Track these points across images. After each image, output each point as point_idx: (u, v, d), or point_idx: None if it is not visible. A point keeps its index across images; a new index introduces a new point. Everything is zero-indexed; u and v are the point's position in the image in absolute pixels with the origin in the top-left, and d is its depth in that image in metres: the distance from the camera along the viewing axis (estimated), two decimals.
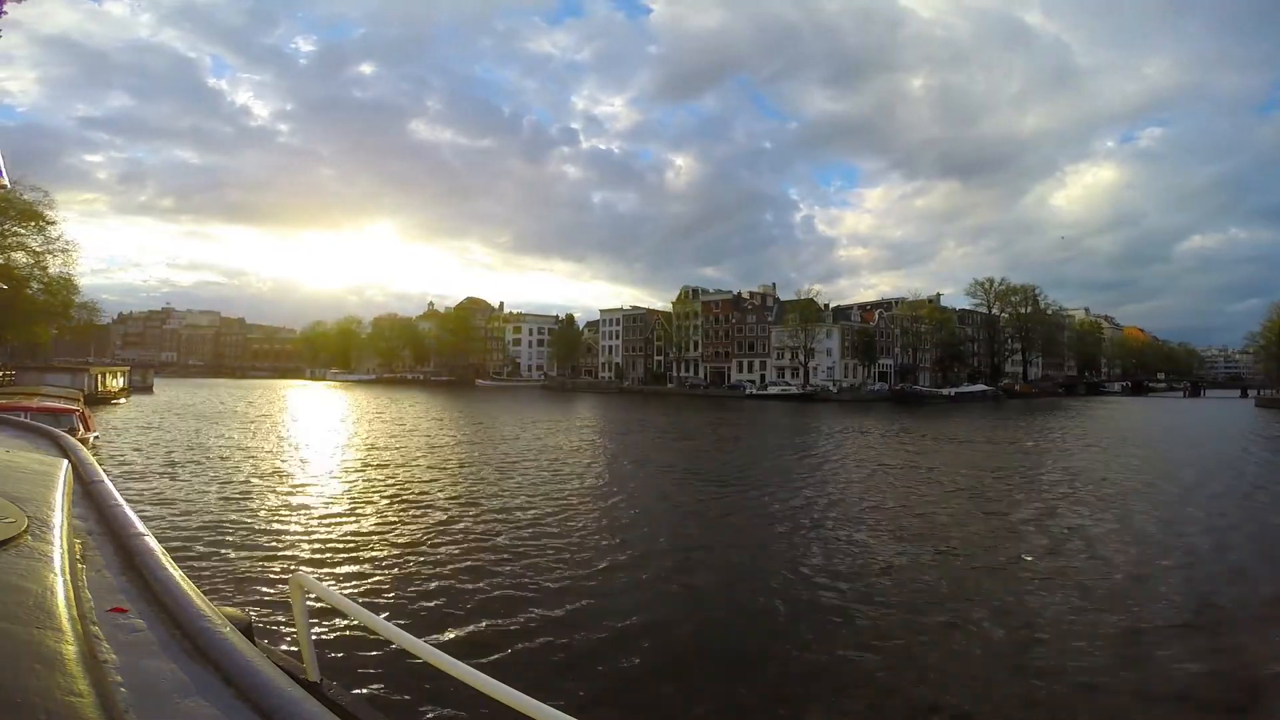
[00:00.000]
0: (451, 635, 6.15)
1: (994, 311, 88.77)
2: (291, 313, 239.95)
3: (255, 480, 13.84)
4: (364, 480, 14.35)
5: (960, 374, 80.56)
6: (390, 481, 14.21)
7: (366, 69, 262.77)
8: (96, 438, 15.73)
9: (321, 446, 20.47)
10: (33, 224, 35.82)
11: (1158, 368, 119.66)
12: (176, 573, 1.69)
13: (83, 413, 15.29)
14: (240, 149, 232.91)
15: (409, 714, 4.73)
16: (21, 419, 5.72)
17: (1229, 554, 9.67)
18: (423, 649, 1.50)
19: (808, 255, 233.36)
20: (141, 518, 2.16)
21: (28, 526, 1.71)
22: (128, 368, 50.44)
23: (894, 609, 7.21)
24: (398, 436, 24.06)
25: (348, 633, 5.75)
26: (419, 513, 11.18)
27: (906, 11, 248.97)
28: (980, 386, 72.78)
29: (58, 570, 1.47)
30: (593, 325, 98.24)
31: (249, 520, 10.20)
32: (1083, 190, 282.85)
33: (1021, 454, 22.45)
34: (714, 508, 12.57)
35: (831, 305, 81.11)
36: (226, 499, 11.73)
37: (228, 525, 9.79)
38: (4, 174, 4.83)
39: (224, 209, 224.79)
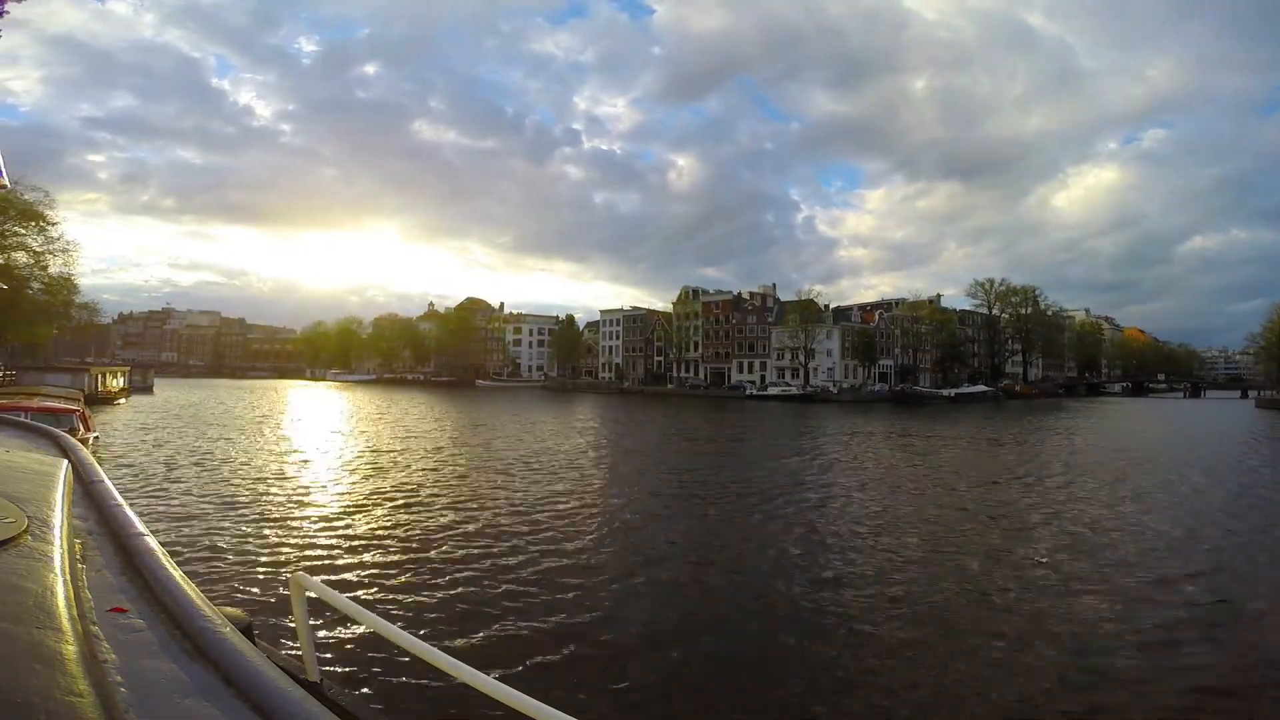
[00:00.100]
0: (451, 635, 6.14)
1: (994, 312, 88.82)
2: (292, 313, 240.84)
3: (255, 480, 13.83)
4: (364, 480, 14.35)
5: (960, 375, 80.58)
6: (390, 482, 14.21)
7: (370, 69, 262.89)
8: (96, 438, 15.71)
9: (321, 447, 20.46)
10: (33, 224, 35.83)
11: (1158, 368, 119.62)
12: (176, 573, 1.69)
13: (83, 413, 15.26)
14: (243, 149, 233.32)
15: (409, 714, 4.73)
16: (21, 419, 5.72)
17: (1244, 554, 9.68)
18: (423, 649, 1.50)
19: (809, 256, 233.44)
20: (141, 518, 2.16)
21: (28, 526, 1.70)
22: (128, 368, 50.46)
23: (913, 618, 7.08)
24: (398, 437, 24.05)
25: (348, 633, 5.75)
26: (419, 513, 11.18)
27: (911, 13, 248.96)
28: (980, 387, 72.81)
29: (58, 570, 1.47)
30: (593, 326, 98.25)
31: (249, 520, 10.20)
32: (1084, 191, 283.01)
33: (1024, 455, 22.44)
34: (722, 512, 12.52)
35: (832, 306, 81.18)
36: (226, 499, 11.73)
37: (228, 525, 9.79)
38: (4, 174, 4.82)
39: (226, 209, 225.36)
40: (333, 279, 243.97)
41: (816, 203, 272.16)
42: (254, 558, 8.26)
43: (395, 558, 8.54)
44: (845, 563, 9.01)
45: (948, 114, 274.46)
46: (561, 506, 12.05)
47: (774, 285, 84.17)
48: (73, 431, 11.75)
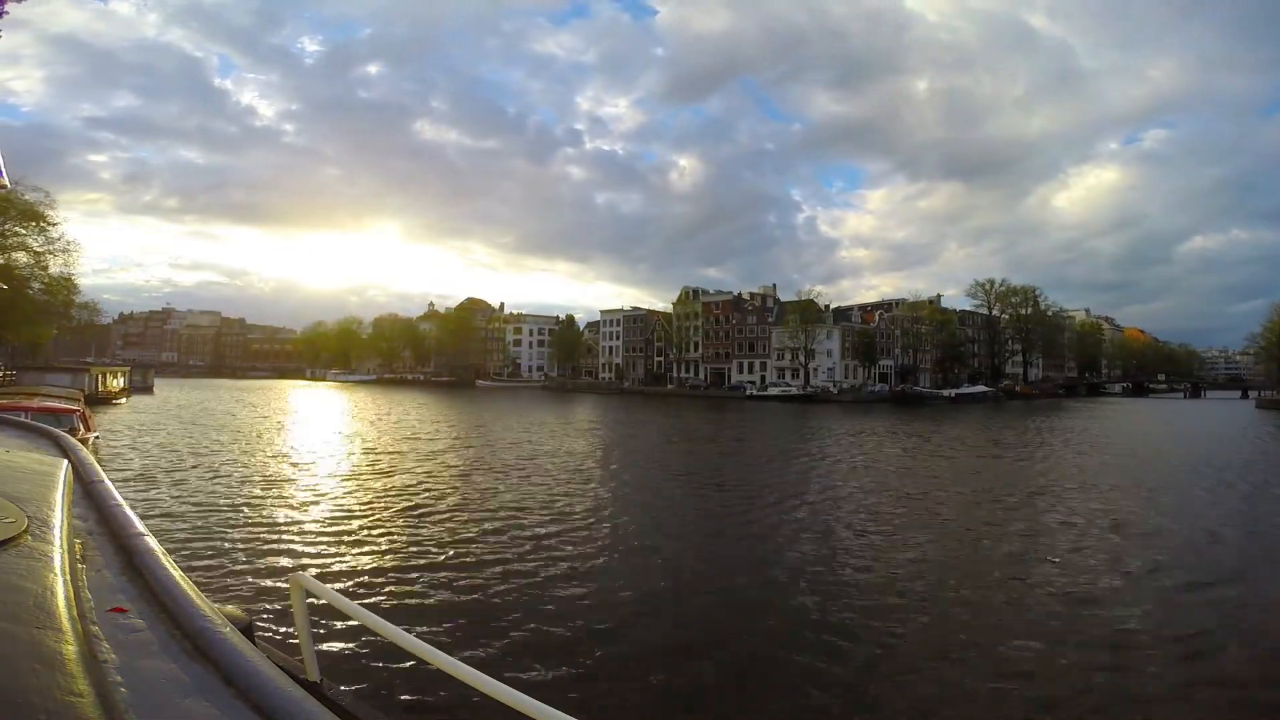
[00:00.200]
0: (451, 635, 6.14)
1: (994, 313, 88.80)
2: (292, 313, 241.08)
3: (255, 480, 13.84)
4: (364, 481, 14.35)
5: (960, 375, 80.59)
6: (390, 482, 14.21)
7: (372, 69, 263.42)
8: (97, 438, 15.70)
9: (322, 447, 20.46)
10: (34, 224, 35.85)
11: (1158, 369, 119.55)
12: (176, 573, 1.69)
13: (83, 413, 15.24)
14: (245, 149, 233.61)
15: (409, 714, 4.73)
16: (21, 419, 5.71)
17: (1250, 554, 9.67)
18: (423, 649, 1.50)
19: (810, 256, 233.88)
20: (141, 518, 2.16)
21: (28, 526, 1.70)
22: (128, 368, 50.44)
23: (928, 621, 7.08)
24: (398, 437, 24.05)
25: (348, 633, 5.75)
26: (420, 513, 11.17)
27: (913, 15, 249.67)
28: (981, 388, 72.84)
29: (58, 570, 1.47)
30: (593, 326, 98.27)
31: (249, 520, 10.20)
32: (1085, 192, 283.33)
33: (1026, 456, 22.42)
34: (723, 513, 12.52)
35: (832, 306, 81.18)
36: (227, 499, 11.73)
37: (228, 525, 9.79)
38: (4, 174, 4.82)
39: (227, 209, 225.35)
40: (333, 279, 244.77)
41: (818, 203, 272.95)
42: (254, 558, 8.26)
43: (395, 558, 8.53)
44: (856, 569, 8.83)
45: (949, 115, 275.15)
46: (562, 507, 12.04)
47: (774, 285, 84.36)
48: (73, 431, 11.74)
